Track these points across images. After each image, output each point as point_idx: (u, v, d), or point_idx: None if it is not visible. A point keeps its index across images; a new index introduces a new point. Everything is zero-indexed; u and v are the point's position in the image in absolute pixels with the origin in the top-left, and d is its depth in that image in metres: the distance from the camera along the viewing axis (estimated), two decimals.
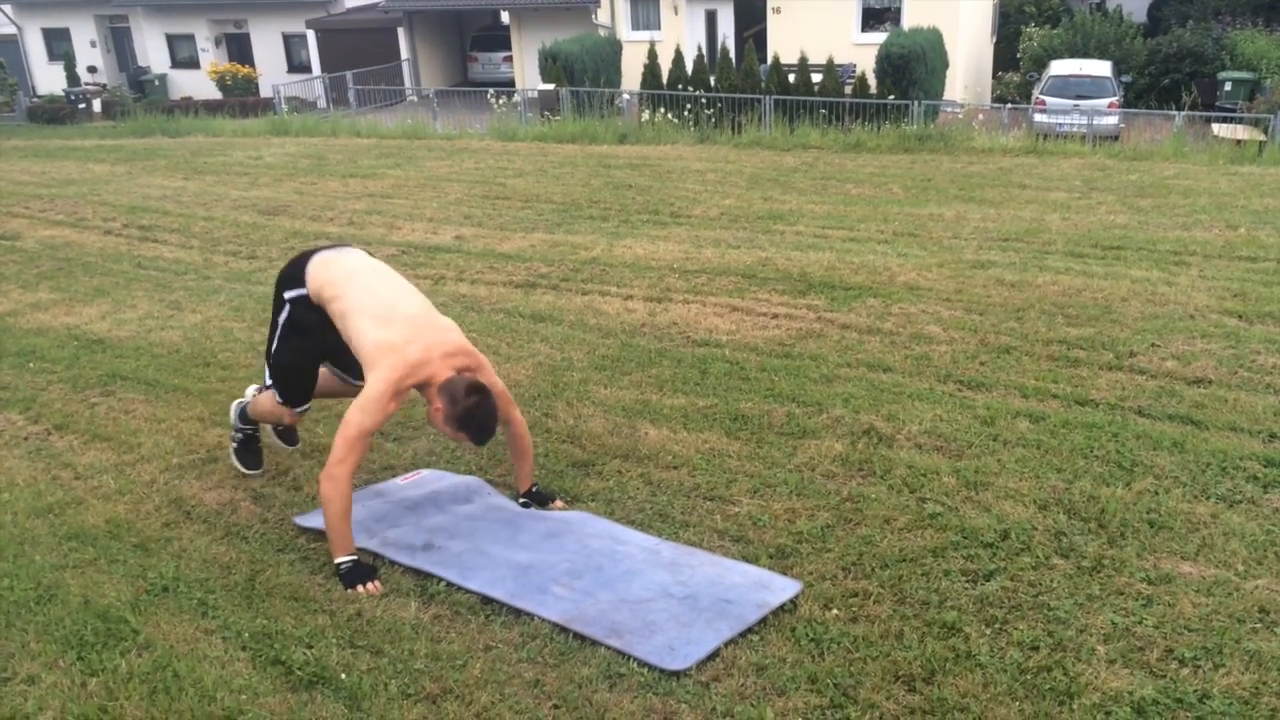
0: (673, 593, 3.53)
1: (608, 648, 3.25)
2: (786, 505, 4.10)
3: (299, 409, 4.34)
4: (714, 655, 3.20)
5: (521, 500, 4.25)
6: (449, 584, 3.64)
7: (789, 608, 3.42)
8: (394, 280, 4.09)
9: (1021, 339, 5.91)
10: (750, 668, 3.14)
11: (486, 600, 3.54)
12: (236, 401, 4.66)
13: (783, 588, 3.52)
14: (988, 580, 3.55)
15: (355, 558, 3.72)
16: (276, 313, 4.19)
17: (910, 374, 5.46)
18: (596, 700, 3.02)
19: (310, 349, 4.20)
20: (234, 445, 4.61)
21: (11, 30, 32.33)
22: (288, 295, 4.12)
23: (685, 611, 3.41)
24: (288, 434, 4.73)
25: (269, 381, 4.31)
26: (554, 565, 3.73)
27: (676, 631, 3.31)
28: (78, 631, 3.42)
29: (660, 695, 3.03)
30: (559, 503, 4.24)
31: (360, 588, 3.64)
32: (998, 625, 3.30)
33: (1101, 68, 20.27)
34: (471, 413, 3.71)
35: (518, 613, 3.46)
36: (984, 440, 4.62)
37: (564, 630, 3.35)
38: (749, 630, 3.31)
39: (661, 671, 3.13)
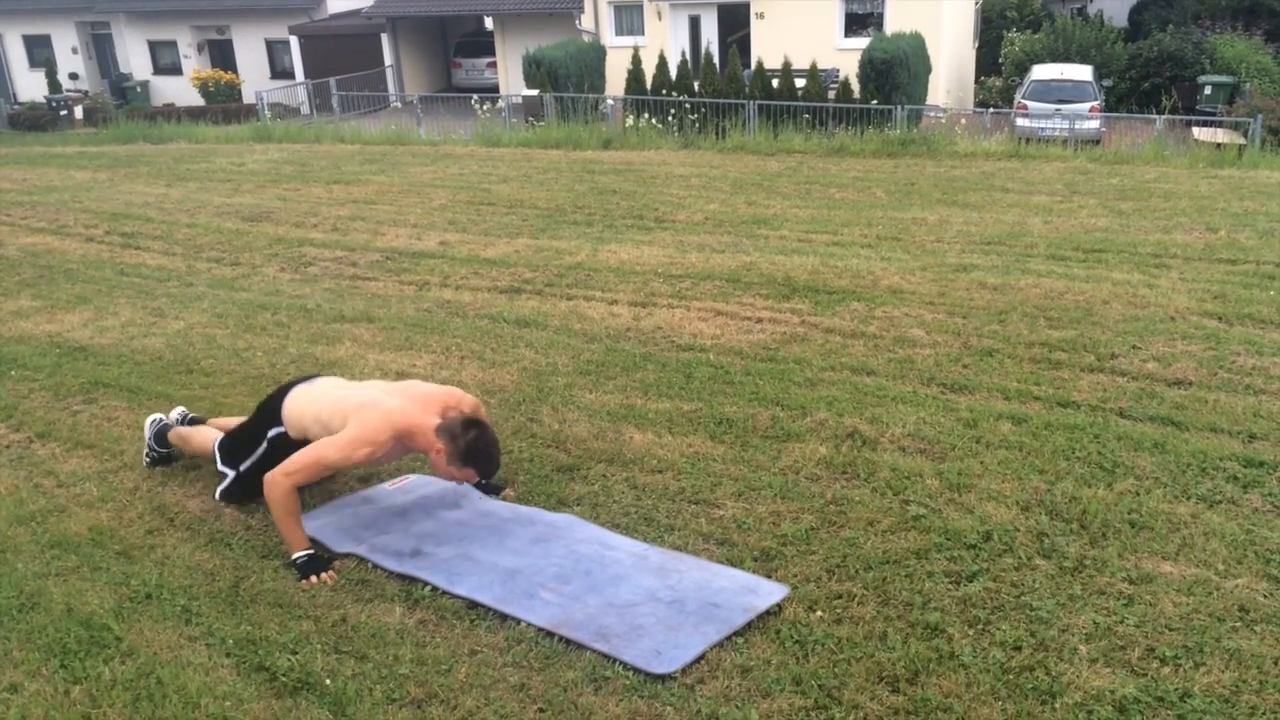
0: (660, 597, 3.54)
1: (594, 652, 3.26)
2: (771, 508, 4.11)
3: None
4: (700, 658, 3.21)
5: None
6: (434, 589, 3.64)
7: (774, 610, 3.43)
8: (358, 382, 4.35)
9: (1004, 342, 5.95)
10: (735, 670, 3.15)
11: (472, 605, 3.54)
12: (153, 418, 4.74)
13: (769, 592, 3.53)
14: (970, 581, 3.57)
15: (310, 551, 3.81)
16: (255, 441, 4.25)
17: (894, 377, 5.48)
18: (582, 704, 3.02)
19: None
20: (147, 461, 4.70)
21: None
22: (270, 434, 4.21)
23: (672, 616, 3.42)
24: None
25: (226, 473, 4.31)
26: (542, 570, 3.73)
27: (663, 635, 3.32)
28: (60, 639, 3.41)
29: (645, 698, 3.04)
30: (510, 491, 4.37)
31: (314, 578, 3.71)
32: (980, 626, 3.32)
33: (1083, 72, 20.41)
34: (475, 445, 3.85)
35: (503, 617, 3.47)
36: (967, 442, 4.64)
37: (550, 634, 3.35)
38: (734, 633, 3.32)
39: (648, 675, 3.13)
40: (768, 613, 3.42)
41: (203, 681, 3.17)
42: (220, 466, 4.34)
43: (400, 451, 4.06)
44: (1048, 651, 3.18)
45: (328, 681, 3.14)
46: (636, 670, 3.16)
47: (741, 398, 5.23)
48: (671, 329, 6.41)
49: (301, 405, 4.14)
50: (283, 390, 4.29)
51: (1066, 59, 22.50)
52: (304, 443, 4.02)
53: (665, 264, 8.05)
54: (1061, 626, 3.29)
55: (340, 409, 3.95)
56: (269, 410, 4.26)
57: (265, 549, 3.96)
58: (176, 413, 4.89)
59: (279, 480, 3.79)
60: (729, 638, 3.30)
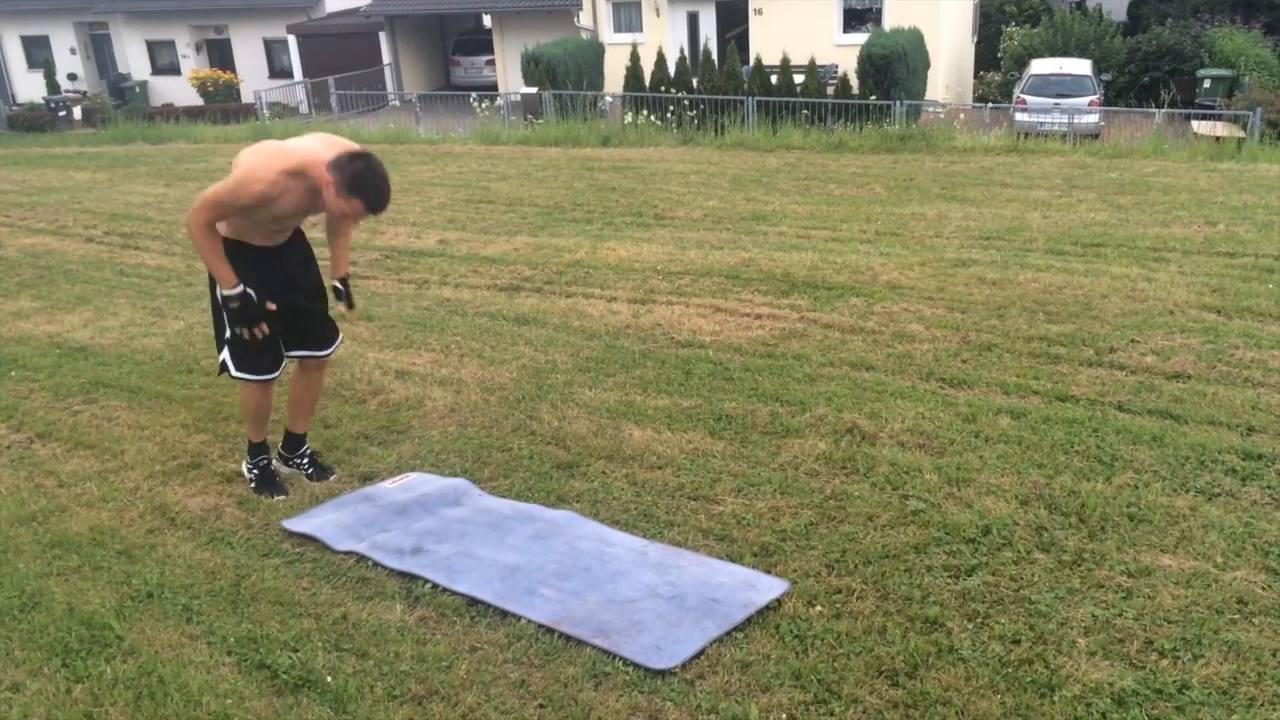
0: (660, 593, 3.54)
1: (594, 648, 3.26)
2: (770, 504, 4.12)
3: (255, 377, 4.20)
4: (700, 654, 3.21)
5: (334, 285, 4.44)
6: (434, 586, 3.65)
7: (773, 605, 3.44)
8: None
9: (1003, 336, 5.95)
10: (735, 665, 3.16)
11: (472, 602, 3.55)
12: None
13: (769, 587, 3.54)
14: (969, 575, 3.57)
15: (241, 289, 3.80)
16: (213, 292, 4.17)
17: (893, 372, 5.49)
18: (582, 699, 3.03)
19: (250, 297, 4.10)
20: (252, 486, 4.47)
21: None
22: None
23: (672, 611, 3.43)
24: (320, 470, 4.60)
25: (226, 358, 4.21)
26: (542, 566, 3.74)
27: (663, 631, 3.33)
28: (62, 639, 3.41)
29: (646, 693, 3.05)
30: (346, 305, 4.44)
31: (245, 331, 3.73)
32: (979, 620, 3.33)
33: (1081, 66, 20.40)
34: (361, 175, 3.75)
35: (503, 614, 3.47)
36: (966, 437, 4.65)
37: (550, 631, 3.36)
38: (734, 628, 3.33)
39: (648, 670, 3.14)
40: (767, 608, 3.42)
41: (204, 680, 3.18)
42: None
43: (306, 195, 3.87)
44: (1046, 645, 3.18)
45: (329, 679, 3.15)
46: (636, 666, 3.16)
47: (740, 394, 5.24)
48: (670, 326, 6.42)
49: None
50: None
51: (1065, 53, 22.49)
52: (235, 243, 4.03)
53: (664, 261, 8.06)
54: (1060, 620, 3.30)
55: (240, 157, 3.91)
56: None
57: (266, 548, 3.97)
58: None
59: (189, 220, 3.80)
60: (729, 633, 3.30)
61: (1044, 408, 4.93)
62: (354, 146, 3.92)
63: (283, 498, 4.38)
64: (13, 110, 28.21)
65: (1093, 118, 17.85)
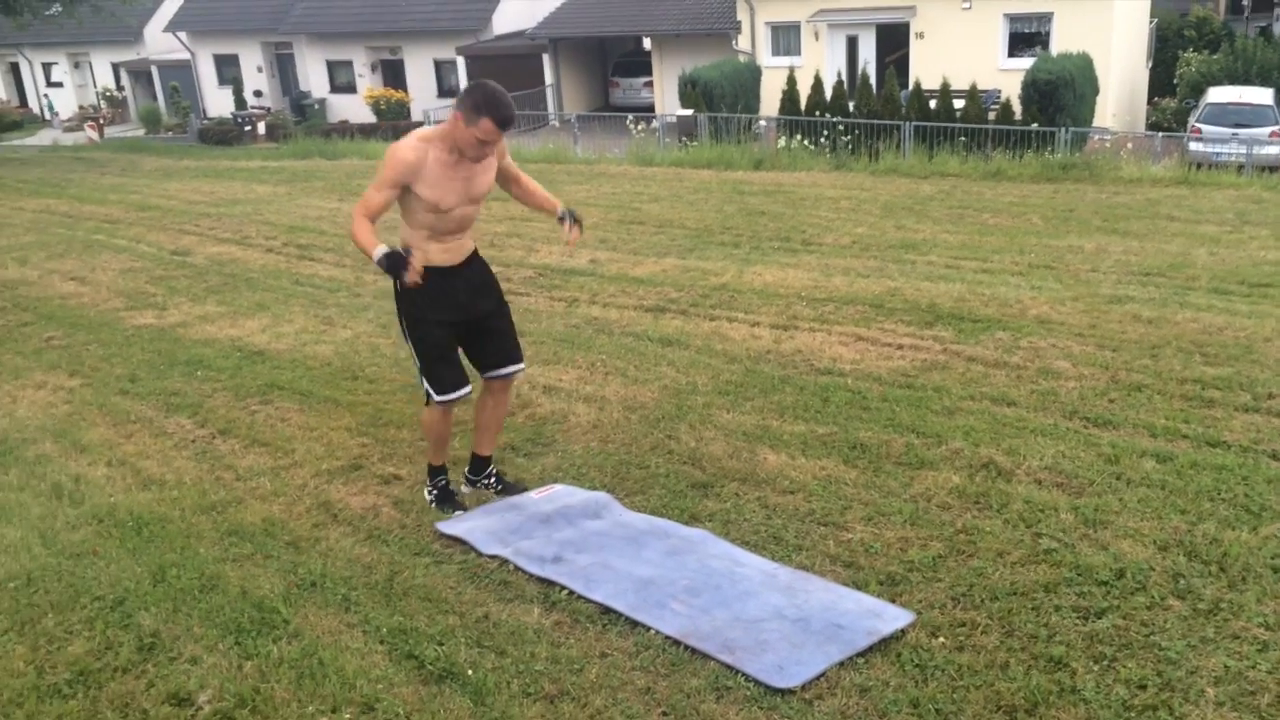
0: (786, 615, 3.65)
1: (719, 662, 3.40)
2: (899, 534, 4.17)
3: (454, 395, 4.35)
4: (820, 676, 3.31)
5: (559, 216, 4.60)
6: (571, 593, 3.85)
7: (895, 634, 3.50)
8: None
9: (1154, 377, 5.81)
10: (854, 688, 3.24)
11: (605, 610, 3.73)
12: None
13: (895, 617, 3.60)
14: (1099, 618, 3.55)
15: (386, 249, 4.02)
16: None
17: (1035, 409, 5.43)
18: (704, 710, 3.17)
19: (433, 318, 4.37)
20: (432, 504, 4.62)
21: (186, 56, 34.52)
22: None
23: (797, 633, 3.53)
24: (508, 487, 4.75)
25: (428, 388, 4.39)
26: (674, 582, 3.89)
27: (787, 651, 3.43)
28: (235, 619, 3.75)
29: (765, 709, 3.16)
30: (576, 232, 4.56)
31: (405, 276, 3.99)
32: (1106, 662, 3.31)
33: (1263, 95, 19.42)
34: (480, 93, 4.02)
35: (634, 624, 3.64)
36: (1106, 478, 4.59)
37: (677, 643, 3.51)
38: (856, 654, 3.41)
39: (768, 688, 3.25)
40: (890, 636, 3.49)
41: (359, 665, 3.45)
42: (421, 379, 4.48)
43: (450, 160, 4.14)
44: (1173, 692, 3.16)
45: (470, 672, 3.38)
46: (758, 683, 3.28)
47: (877, 423, 5.29)
48: (811, 352, 6.49)
49: None
50: None
51: (1246, 82, 21.41)
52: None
53: (809, 287, 8.13)
54: (1190, 668, 3.26)
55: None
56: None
57: (418, 547, 4.26)
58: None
59: (355, 212, 4.17)
60: (850, 658, 3.39)
61: (1192, 452, 4.81)
62: None
63: (461, 512, 4.53)
64: (204, 124, 30.20)
65: (1273, 149, 16.99)
